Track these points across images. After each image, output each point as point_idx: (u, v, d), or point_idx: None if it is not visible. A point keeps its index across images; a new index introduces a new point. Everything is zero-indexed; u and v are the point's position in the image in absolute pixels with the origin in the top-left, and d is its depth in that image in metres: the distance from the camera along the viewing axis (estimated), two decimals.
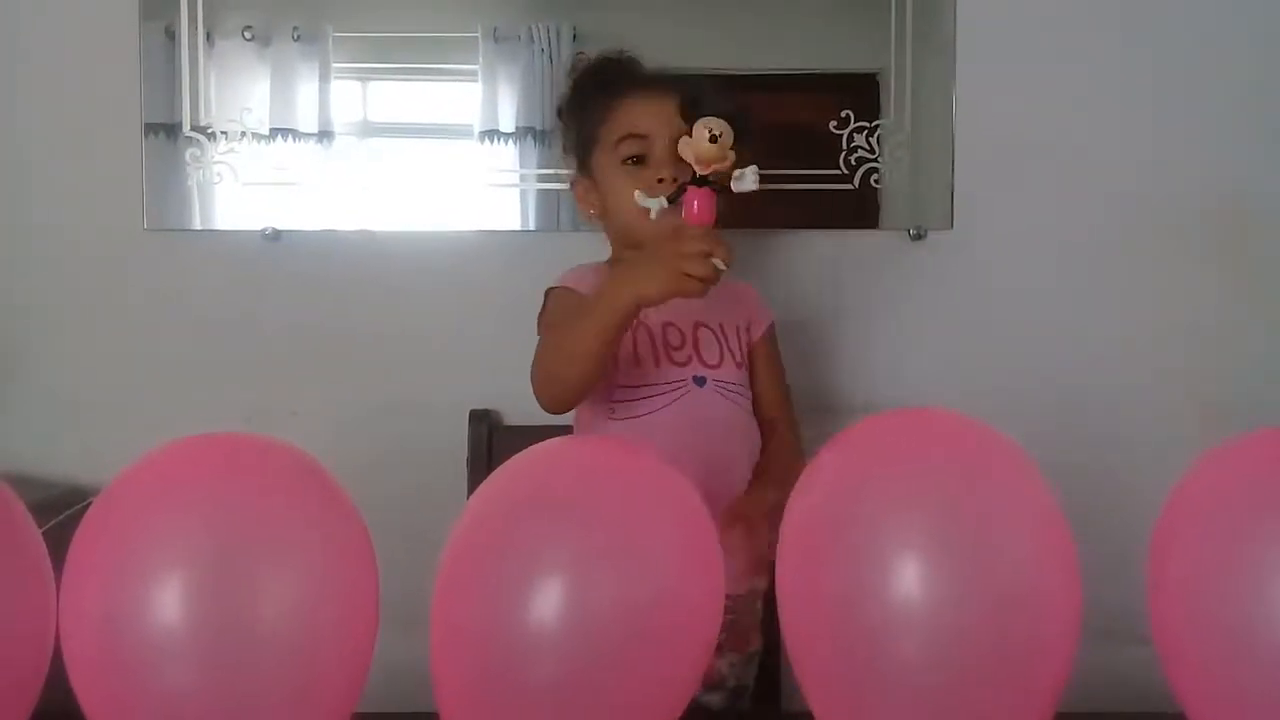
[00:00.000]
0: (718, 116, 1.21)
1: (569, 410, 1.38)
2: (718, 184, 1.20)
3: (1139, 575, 0.93)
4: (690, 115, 1.22)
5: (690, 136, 1.19)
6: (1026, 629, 0.84)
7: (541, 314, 1.46)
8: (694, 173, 1.20)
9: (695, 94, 1.26)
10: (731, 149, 1.20)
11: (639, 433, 1.38)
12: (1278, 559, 0.83)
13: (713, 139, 1.17)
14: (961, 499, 0.85)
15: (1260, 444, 0.91)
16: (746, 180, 1.19)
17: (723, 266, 1.19)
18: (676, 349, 1.43)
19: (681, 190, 1.22)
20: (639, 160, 1.41)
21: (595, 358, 1.27)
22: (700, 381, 1.41)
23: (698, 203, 1.20)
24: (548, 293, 1.47)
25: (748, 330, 1.50)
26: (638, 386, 1.41)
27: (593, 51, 1.61)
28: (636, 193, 1.26)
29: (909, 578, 0.82)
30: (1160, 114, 1.84)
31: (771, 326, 1.53)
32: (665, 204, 1.24)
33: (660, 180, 1.36)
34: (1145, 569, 0.92)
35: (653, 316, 1.42)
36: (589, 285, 1.39)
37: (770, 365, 1.52)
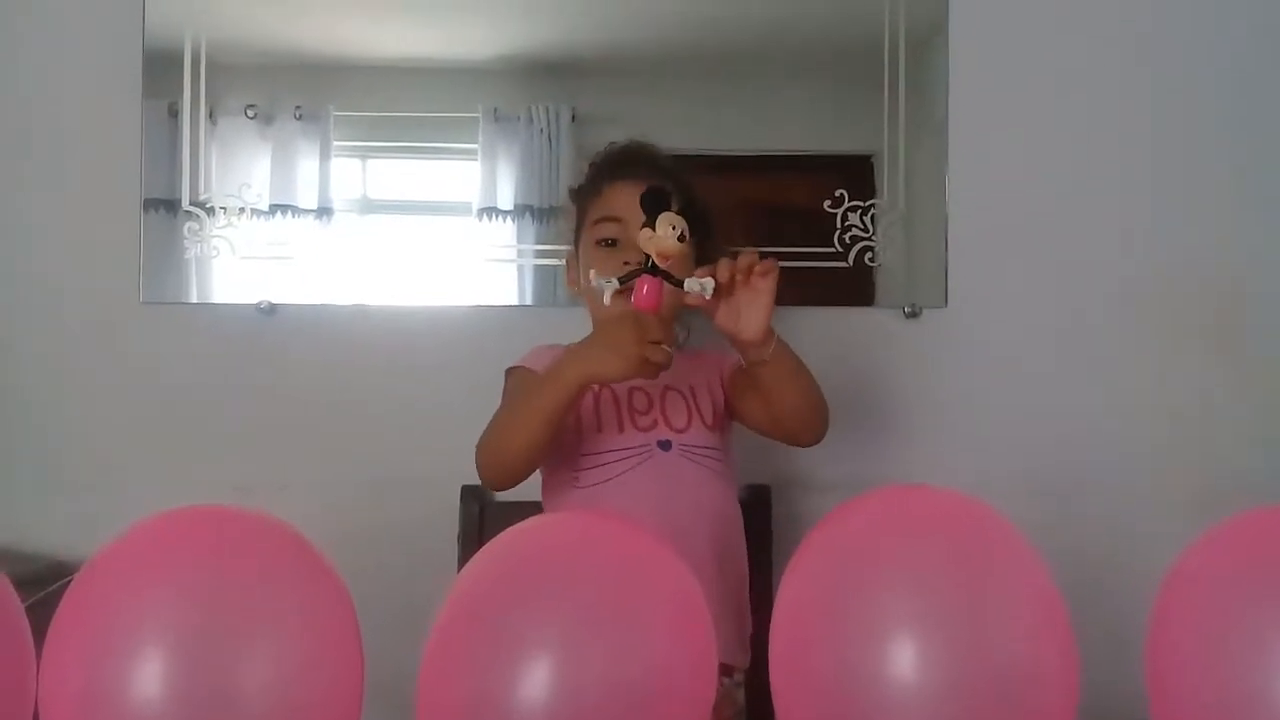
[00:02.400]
0: (678, 206, 1.25)
1: (510, 487, 1.37)
2: (670, 277, 1.24)
3: (1137, 657, 0.92)
4: (648, 208, 1.25)
5: (653, 230, 1.22)
6: (1023, 712, 0.82)
7: (504, 390, 1.48)
8: (649, 260, 1.23)
9: (656, 188, 1.28)
10: (687, 241, 1.23)
11: (601, 499, 1.37)
12: (1276, 640, 0.82)
13: (681, 238, 1.21)
14: (956, 578, 0.84)
15: (1256, 524, 0.90)
16: (703, 289, 1.24)
17: (671, 354, 1.24)
18: (642, 413, 1.43)
19: (633, 275, 1.25)
20: (612, 243, 1.43)
21: (536, 434, 1.29)
22: (665, 446, 1.41)
23: (646, 288, 1.23)
24: (508, 372, 1.49)
25: (720, 384, 1.49)
26: (601, 452, 1.41)
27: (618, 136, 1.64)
28: (592, 272, 1.29)
29: (903, 659, 0.81)
30: (1154, 194, 1.86)
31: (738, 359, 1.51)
32: (616, 285, 1.26)
33: (625, 263, 1.38)
34: (1143, 650, 0.91)
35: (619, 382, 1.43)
36: (546, 365, 1.41)
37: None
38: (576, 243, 1.54)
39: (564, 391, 1.27)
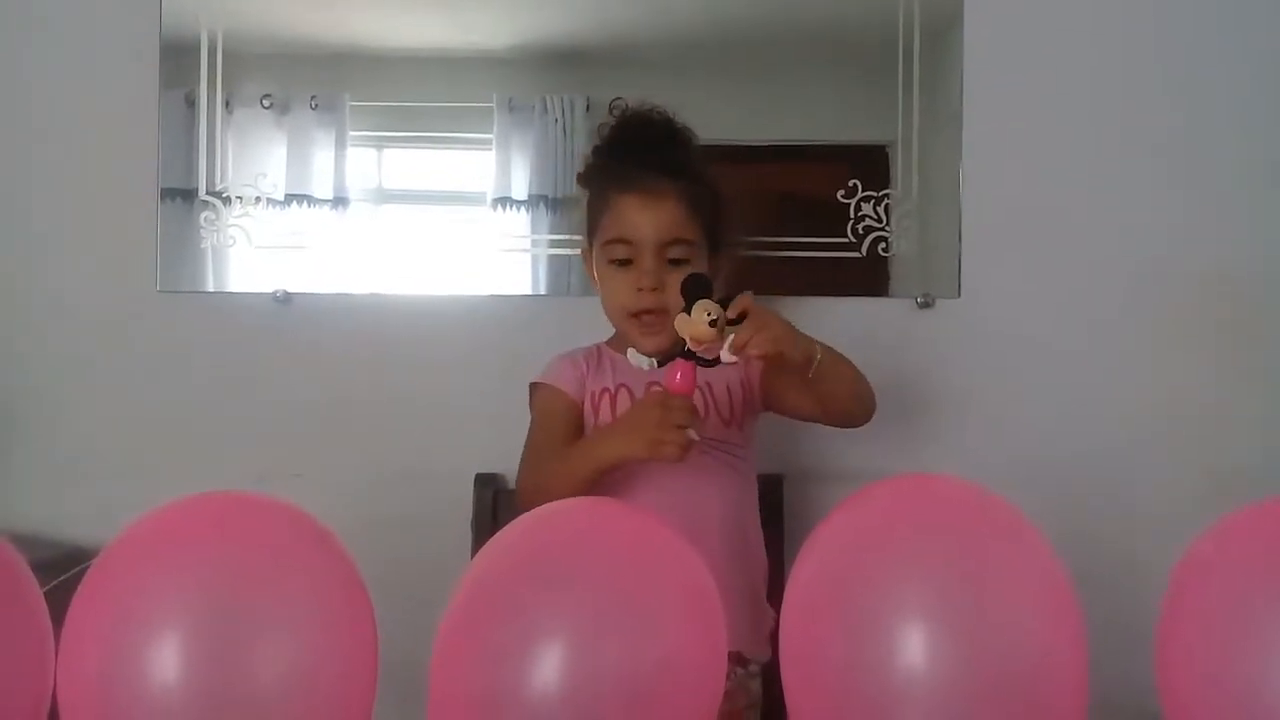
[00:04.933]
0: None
1: None
2: (705, 361, 1.30)
3: (1147, 649, 0.92)
4: (688, 293, 1.29)
5: (689, 315, 1.28)
6: (1032, 699, 0.82)
7: (530, 404, 1.51)
8: (684, 344, 1.29)
9: (698, 276, 1.32)
10: (720, 328, 1.28)
11: (612, 488, 1.39)
12: None
13: (711, 323, 1.26)
14: (967, 566, 0.84)
15: (1267, 514, 0.90)
16: (726, 358, 1.30)
17: (695, 438, 1.30)
18: None
19: (669, 358, 1.32)
20: (625, 262, 1.44)
21: (575, 495, 1.32)
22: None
23: (680, 374, 1.30)
24: (532, 387, 1.51)
25: (741, 386, 1.50)
26: None
27: (629, 103, 1.63)
28: (630, 351, 1.41)
29: (913, 646, 0.81)
30: (1168, 186, 1.85)
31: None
32: (655, 366, 1.37)
33: (640, 290, 1.43)
34: (1152, 642, 0.91)
35: (636, 379, 1.46)
36: (571, 380, 1.49)
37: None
38: (589, 239, 1.53)
39: (597, 467, 1.35)
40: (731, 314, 1.28)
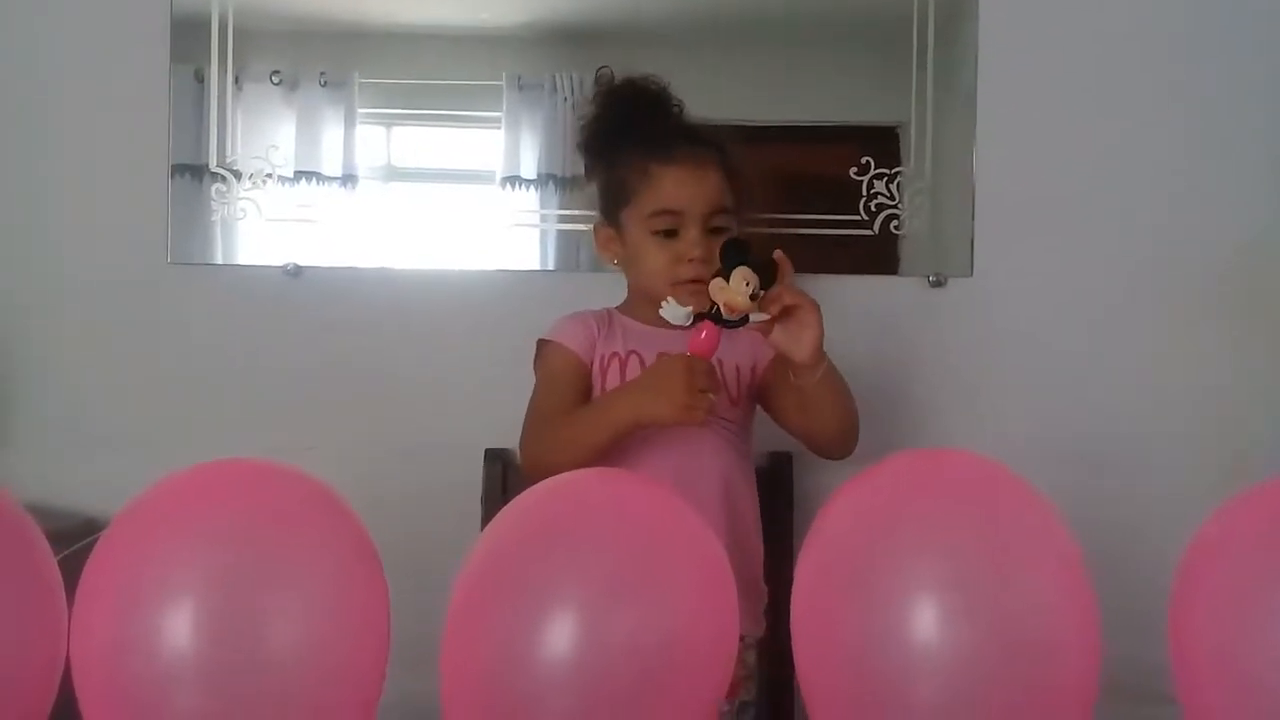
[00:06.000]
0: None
1: None
2: (731, 323, 1.28)
3: (1159, 629, 0.92)
4: (727, 258, 1.28)
5: (726, 281, 1.26)
6: (1044, 677, 0.82)
7: (536, 363, 1.50)
8: (715, 307, 1.27)
9: (740, 241, 1.32)
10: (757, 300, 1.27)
11: (613, 455, 1.38)
12: None
13: (752, 297, 1.26)
14: (980, 542, 0.84)
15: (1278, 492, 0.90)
16: (755, 317, 1.30)
17: (715, 400, 1.31)
18: None
19: (700, 318, 1.30)
20: (670, 233, 1.44)
21: (583, 463, 1.32)
22: None
23: (706, 335, 1.29)
24: (540, 344, 1.50)
25: (751, 370, 1.50)
26: None
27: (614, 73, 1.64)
28: (669, 301, 1.33)
29: (925, 623, 0.81)
30: (1181, 166, 1.84)
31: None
32: (687, 321, 1.32)
33: (690, 260, 1.41)
34: (1164, 623, 0.91)
35: (648, 344, 1.45)
36: (582, 340, 1.47)
37: None
38: (607, 213, 1.52)
39: (613, 430, 1.33)
40: (775, 282, 1.28)
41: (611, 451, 1.35)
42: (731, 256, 1.28)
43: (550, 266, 1.83)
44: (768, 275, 1.29)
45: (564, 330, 1.49)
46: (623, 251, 1.50)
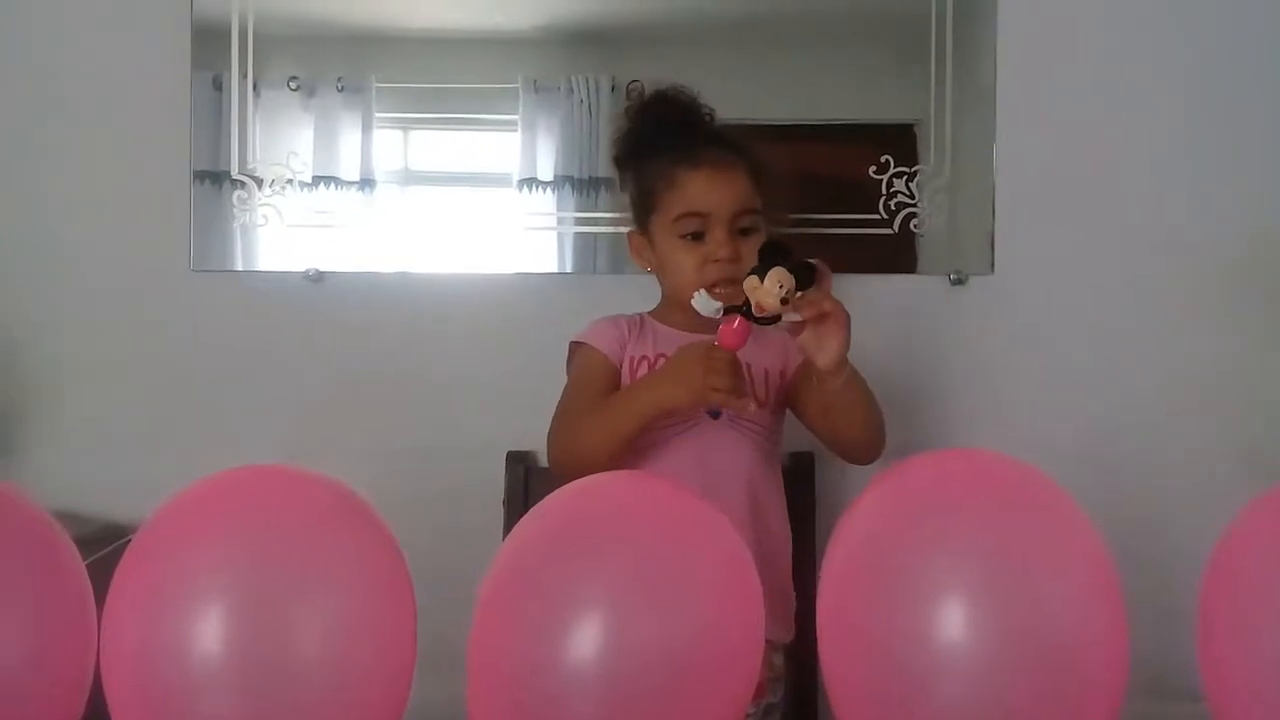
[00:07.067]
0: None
1: None
2: (762, 320, 1.28)
3: (1186, 627, 0.91)
4: (765, 258, 1.28)
5: (761, 280, 1.26)
6: (1072, 679, 0.82)
7: (568, 364, 1.51)
8: (747, 303, 1.27)
9: (781, 243, 1.31)
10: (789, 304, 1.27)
11: (639, 458, 1.39)
12: None
13: (783, 301, 1.26)
14: (1007, 541, 0.84)
15: None
16: (788, 316, 1.30)
17: (753, 407, 1.33)
18: None
19: (732, 310, 1.30)
20: (697, 236, 1.44)
21: (610, 451, 1.35)
22: (715, 414, 1.42)
23: (736, 326, 1.29)
24: (572, 346, 1.51)
25: (780, 374, 1.50)
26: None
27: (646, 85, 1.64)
28: (701, 294, 1.35)
29: (951, 622, 0.81)
30: (1201, 161, 1.83)
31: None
32: (717, 313, 1.32)
33: (717, 260, 1.42)
34: (1191, 620, 0.90)
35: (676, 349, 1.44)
36: (612, 342, 1.48)
37: None
38: (639, 221, 1.53)
39: (637, 420, 1.35)
40: (813, 286, 1.28)
41: (637, 441, 1.36)
42: (769, 257, 1.28)
43: (568, 268, 1.84)
44: (805, 279, 1.29)
45: (595, 332, 1.50)
46: (654, 258, 1.51)
